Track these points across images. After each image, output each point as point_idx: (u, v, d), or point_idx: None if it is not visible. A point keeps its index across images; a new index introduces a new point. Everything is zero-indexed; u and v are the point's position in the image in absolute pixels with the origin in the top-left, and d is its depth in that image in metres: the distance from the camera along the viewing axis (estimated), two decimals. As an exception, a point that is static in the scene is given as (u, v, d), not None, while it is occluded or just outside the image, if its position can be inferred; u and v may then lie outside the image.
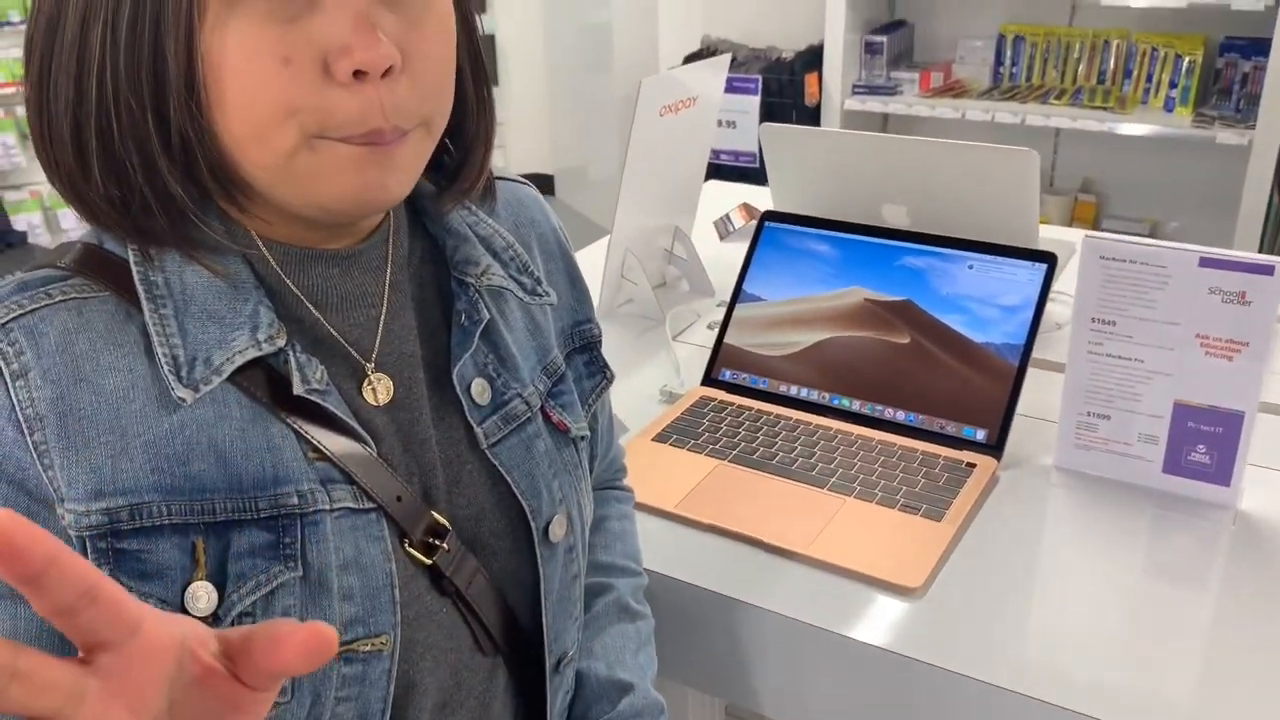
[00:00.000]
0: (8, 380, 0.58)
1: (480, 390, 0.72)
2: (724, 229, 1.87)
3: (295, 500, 0.62)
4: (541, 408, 0.77)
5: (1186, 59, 3.28)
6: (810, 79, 3.65)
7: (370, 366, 0.68)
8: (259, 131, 0.58)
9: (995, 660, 0.91)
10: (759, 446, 1.20)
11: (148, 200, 0.60)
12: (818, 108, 3.70)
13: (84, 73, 0.57)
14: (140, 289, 0.61)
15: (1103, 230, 3.60)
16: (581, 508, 0.79)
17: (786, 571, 1.02)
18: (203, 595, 0.59)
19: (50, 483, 0.58)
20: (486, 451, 0.72)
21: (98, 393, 0.59)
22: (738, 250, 1.41)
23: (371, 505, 0.65)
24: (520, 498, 0.72)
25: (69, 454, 0.58)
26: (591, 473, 0.85)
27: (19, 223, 3.94)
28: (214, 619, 0.60)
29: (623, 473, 1.00)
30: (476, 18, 0.69)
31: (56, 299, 0.60)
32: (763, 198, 1.94)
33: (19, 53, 4.00)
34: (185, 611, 0.59)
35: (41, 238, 4.06)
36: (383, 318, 0.69)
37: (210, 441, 0.61)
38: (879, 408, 1.24)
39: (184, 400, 0.60)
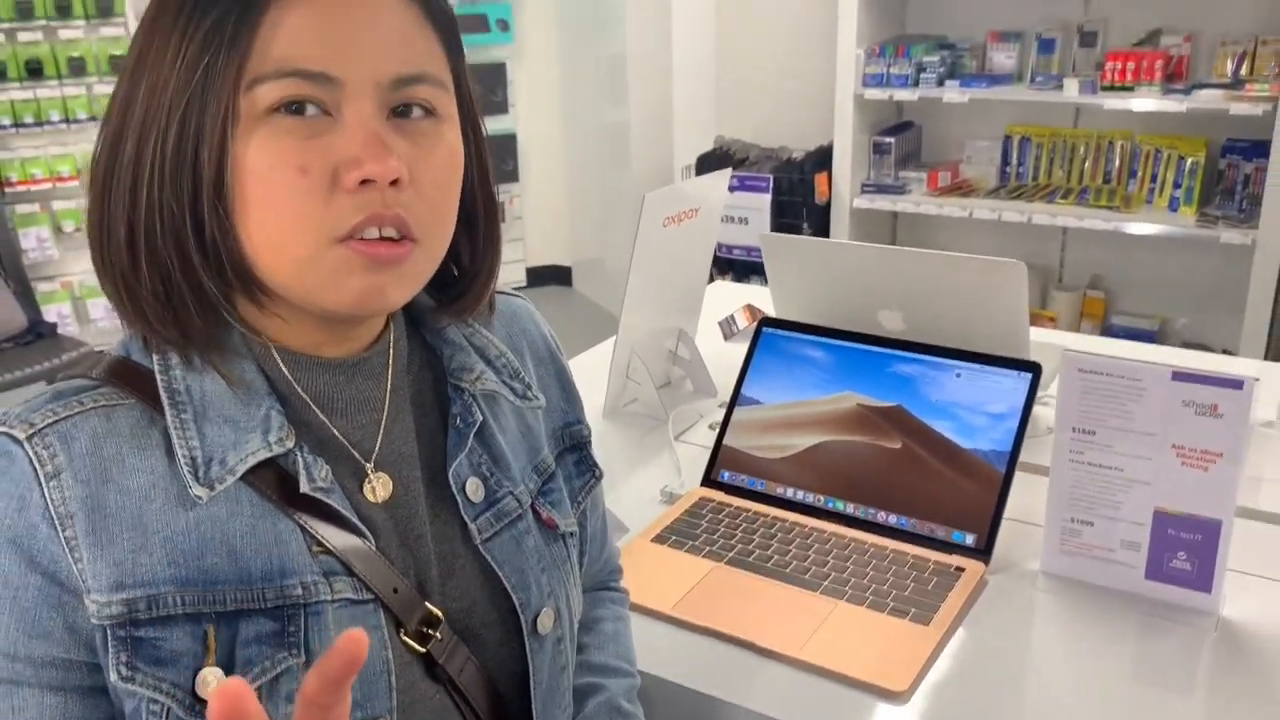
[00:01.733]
0: (42, 481, 0.64)
1: (474, 488, 0.77)
2: (728, 329, 1.93)
3: (300, 591, 0.67)
4: (532, 505, 0.82)
5: (1189, 160, 3.35)
6: (820, 178, 3.74)
7: (370, 467, 0.74)
8: (277, 237, 0.65)
9: (977, 765, 0.93)
10: (755, 549, 1.24)
11: (184, 295, 0.67)
12: (828, 206, 3.79)
13: (138, 184, 0.65)
14: (164, 395, 0.68)
15: (1112, 326, 3.64)
16: (570, 601, 0.83)
17: (778, 674, 1.05)
18: (212, 680, 0.64)
19: (80, 575, 0.64)
20: (480, 547, 0.77)
21: (123, 492, 0.65)
22: (741, 350, 1.46)
23: (370, 596, 0.70)
24: (510, 591, 0.77)
25: (95, 549, 0.64)
26: (582, 569, 0.89)
27: (49, 313, 4.05)
28: None
29: (618, 574, 1.04)
30: (490, 160, 0.77)
31: (88, 406, 0.67)
32: (767, 297, 2.00)
33: (58, 150, 4.16)
34: (194, 695, 0.65)
35: (71, 328, 4.17)
36: (384, 421, 0.75)
37: (223, 537, 0.66)
38: (872, 511, 1.28)
39: (200, 498, 0.66)
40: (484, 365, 0.81)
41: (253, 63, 0.63)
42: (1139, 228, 3.35)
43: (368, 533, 0.71)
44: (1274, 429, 1.52)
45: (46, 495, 0.64)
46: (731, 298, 2.07)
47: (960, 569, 1.18)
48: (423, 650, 0.72)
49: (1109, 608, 1.13)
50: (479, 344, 0.83)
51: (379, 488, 0.74)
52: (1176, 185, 3.39)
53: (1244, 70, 3.27)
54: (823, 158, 3.78)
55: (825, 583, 1.17)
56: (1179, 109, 3.23)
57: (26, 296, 3.49)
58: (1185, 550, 1.10)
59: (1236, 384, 1.04)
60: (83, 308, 4.33)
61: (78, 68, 4.13)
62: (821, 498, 1.31)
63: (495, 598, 0.77)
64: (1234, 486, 1.06)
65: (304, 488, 0.69)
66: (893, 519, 1.26)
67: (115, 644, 0.63)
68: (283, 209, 0.64)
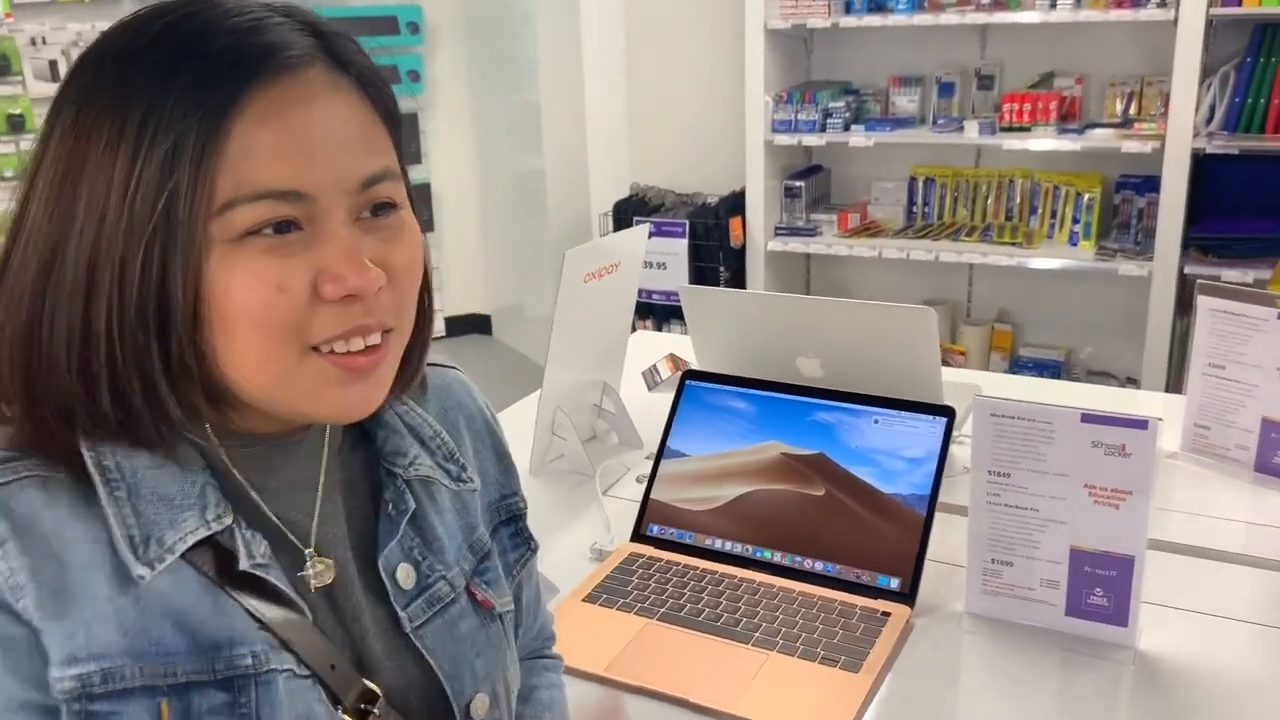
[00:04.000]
0: None
1: (405, 575, 0.76)
2: (651, 379, 1.94)
3: (249, 661, 0.66)
4: (466, 587, 0.80)
5: (1086, 196, 3.48)
6: (734, 222, 3.81)
7: (311, 551, 0.72)
8: (255, 355, 0.64)
9: (912, 812, 0.94)
10: (686, 603, 1.24)
11: (142, 415, 0.64)
12: (743, 249, 3.85)
13: (92, 313, 0.62)
14: (95, 475, 0.65)
15: (1020, 357, 3.75)
16: (507, 682, 0.82)
17: (713, 729, 1.06)
18: None
19: (38, 644, 0.62)
20: (410, 635, 0.75)
21: (66, 567, 0.63)
22: (665, 400, 1.47)
23: (308, 673, 0.69)
24: (443, 680, 0.76)
25: (47, 622, 0.62)
26: (518, 641, 0.89)
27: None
28: None
29: (551, 640, 1.03)
30: (419, 232, 0.76)
31: (23, 474, 0.64)
32: (689, 345, 2.03)
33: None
34: None
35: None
36: (319, 502, 0.74)
37: (168, 612, 0.65)
38: (798, 559, 1.29)
39: (142, 578, 0.64)
40: (419, 448, 0.80)
41: (221, 186, 0.61)
42: (1042, 262, 3.47)
43: (305, 608, 0.70)
44: (1176, 460, 1.58)
45: None
46: (654, 347, 2.09)
47: (886, 614, 1.20)
48: None
49: (1032, 645, 1.16)
50: (413, 423, 0.81)
51: (321, 574, 0.72)
52: (1075, 220, 3.52)
53: (1132, 109, 3.43)
54: (736, 202, 3.85)
55: (756, 634, 1.18)
56: (1074, 148, 3.36)
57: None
58: (1101, 586, 1.13)
59: (1141, 424, 1.08)
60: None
61: (-27, 127, 4.03)
62: (750, 548, 1.32)
63: (430, 680, 0.76)
64: (1145, 522, 1.10)
65: (243, 564, 0.67)
66: (819, 566, 1.28)
67: (71, 718, 0.61)
68: (263, 327, 0.63)
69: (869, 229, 3.80)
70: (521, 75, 4.46)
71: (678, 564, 1.32)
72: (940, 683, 1.13)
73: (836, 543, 1.28)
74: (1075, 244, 3.51)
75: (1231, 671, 1.11)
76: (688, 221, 3.82)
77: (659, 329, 3.83)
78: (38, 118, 4.13)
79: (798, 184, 3.82)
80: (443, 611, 0.78)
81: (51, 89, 4.29)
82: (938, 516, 1.26)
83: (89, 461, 0.65)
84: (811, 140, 3.68)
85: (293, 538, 0.72)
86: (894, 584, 1.24)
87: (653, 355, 2.01)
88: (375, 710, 0.72)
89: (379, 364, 0.68)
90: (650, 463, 1.45)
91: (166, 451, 0.67)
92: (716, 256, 3.83)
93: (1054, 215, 3.59)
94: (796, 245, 3.80)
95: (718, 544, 1.34)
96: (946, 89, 3.67)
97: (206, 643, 0.65)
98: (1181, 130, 3.12)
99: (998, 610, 1.19)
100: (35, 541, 0.63)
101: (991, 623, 1.20)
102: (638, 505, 1.41)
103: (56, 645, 0.62)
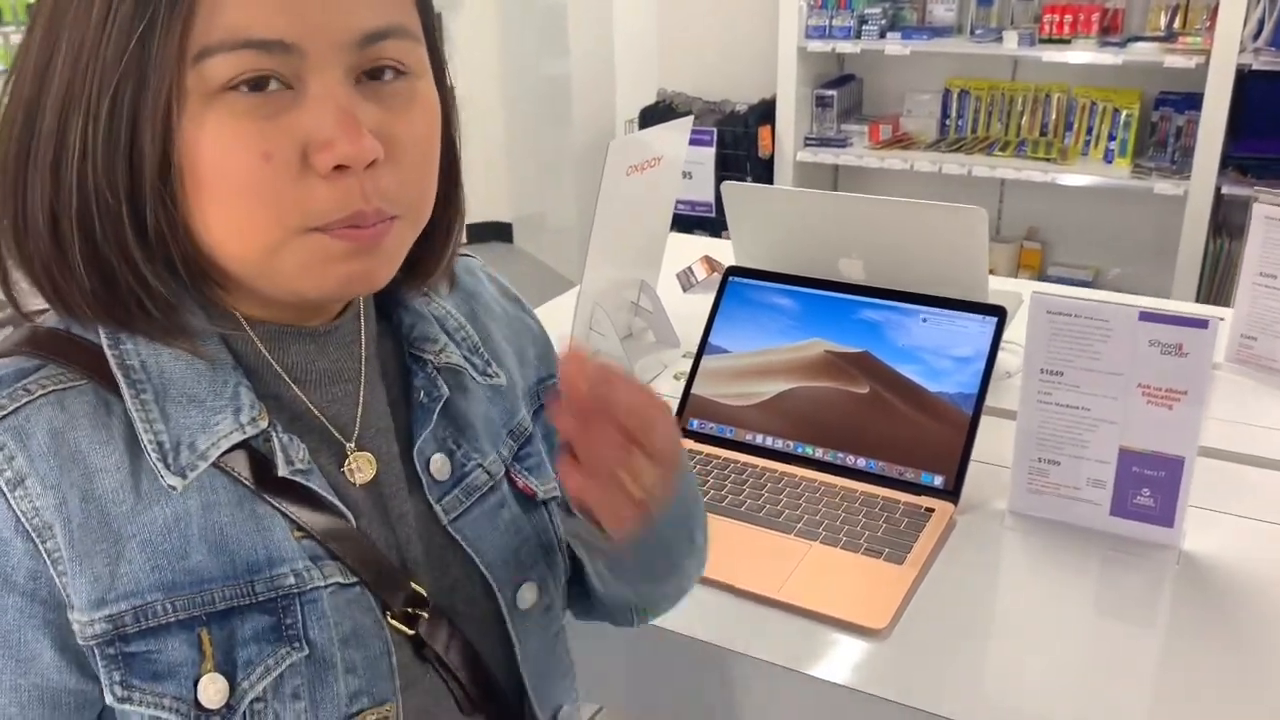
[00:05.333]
0: (4, 490, 0.57)
1: (440, 465, 0.72)
2: (686, 281, 1.92)
3: (291, 580, 0.63)
4: (507, 473, 0.77)
5: (1124, 112, 3.41)
6: (764, 131, 3.75)
7: (351, 446, 0.69)
8: (238, 226, 0.58)
9: (957, 697, 0.95)
10: (727, 494, 1.24)
11: (133, 292, 0.60)
12: (771, 159, 3.80)
13: (62, 163, 0.57)
14: (119, 375, 0.61)
15: (1048, 276, 3.72)
16: (554, 569, 0.79)
17: (757, 616, 1.06)
18: (212, 686, 0.60)
19: (63, 589, 0.58)
20: (448, 527, 0.72)
21: (89, 498, 0.59)
22: (700, 301, 1.46)
23: (355, 580, 0.66)
24: (485, 570, 0.73)
25: (74, 564, 0.58)
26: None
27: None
28: (227, 709, 0.60)
29: None
30: (456, 111, 0.70)
31: (36, 394, 0.59)
32: (721, 249, 2.01)
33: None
34: (199, 705, 0.60)
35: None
36: (361, 394, 0.70)
37: (202, 531, 0.61)
38: (841, 455, 1.29)
39: (174, 488, 0.60)
40: (445, 338, 0.76)
41: (198, 31, 0.55)
42: (1075, 179, 3.42)
43: (349, 514, 0.66)
44: (1220, 370, 1.56)
45: (14, 506, 0.57)
46: (688, 250, 2.06)
47: (930, 510, 1.20)
48: (410, 632, 0.68)
49: (1074, 544, 1.16)
50: (437, 314, 0.77)
51: (363, 468, 0.69)
52: (1111, 138, 3.46)
53: (1176, 23, 3.34)
54: (766, 111, 3.78)
55: (799, 525, 1.18)
56: (1114, 61, 3.28)
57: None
58: (1149, 487, 1.13)
59: (1201, 324, 1.06)
60: None
61: (-7, 16, 3.97)
62: (791, 443, 1.32)
63: (474, 575, 0.73)
64: (1197, 424, 1.09)
65: (282, 471, 0.63)
66: (862, 462, 1.28)
67: (106, 663, 0.58)
68: (247, 197, 0.57)
69: (901, 141, 3.74)
70: (548, -25, 4.36)
71: (717, 457, 1.32)
72: (983, 578, 1.13)
73: (880, 440, 1.28)
74: (1110, 161, 3.45)
75: (1276, 576, 1.11)
76: (715, 129, 3.76)
77: (684, 239, 3.80)
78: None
79: (829, 93, 3.75)
80: (481, 501, 0.74)
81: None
82: (981, 420, 1.25)
83: (111, 361, 0.61)
84: (846, 47, 3.60)
85: (335, 432, 0.68)
86: (938, 481, 1.23)
87: (687, 258, 1.99)
88: (424, 614, 0.69)
89: (382, 237, 0.61)
90: (687, 361, 1.44)
91: (192, 347, 0.62)
92: (744, 166, 3.78)
93: (1089, 132, 3.52)
94: (826, 156, 3.75)
95: (759, 439, 1.34)
96: (986, -2, 3.58)
97: (244, 564, 0.61)
98: (1227, 45, 3.04)
99: (1041, 509, 1.19)
100: (58, 473, 0.58)
101: (1034, 521, 1.20)
102: (676, 402, 1.41)
103: (85, 589, 0.58)
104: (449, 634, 0.70)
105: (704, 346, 1.42)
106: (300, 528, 0.64)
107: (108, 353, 0.61)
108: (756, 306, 1.41)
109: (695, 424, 1.38)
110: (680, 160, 1.68)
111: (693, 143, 3.74)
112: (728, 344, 1.41)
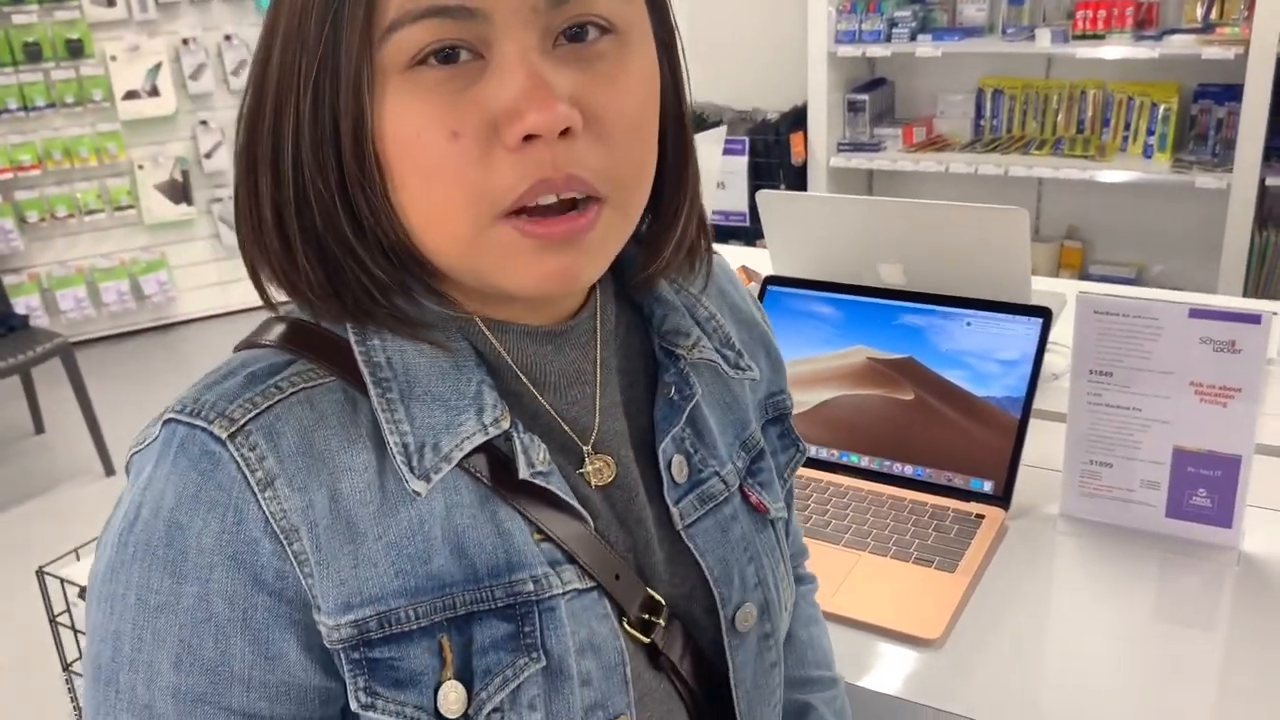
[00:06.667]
0: (255, 490, 0.56)
1: (679, 467, 0.69)
2: (724, 291, 1.91)
3: (531, 587, 0.60)
4: (740, 487, 0.73)
5: (1162, 106, 3.36)
6: (795, 138, 3.73)
7: (589, 450, 0.66)
8: (434, 212, 0.56)
9: (1017, 707, 0.93)
10: (773, 505, 1.23)
11: (359, 281, 0.58)
12: (804, 166, 3.78)
13: (279, 162, 0.57)
14: (365, 372, 0.59)
15: (1090, 275, 3.67)
16: (780, 594, 0.75)
17: (808, 628, 1.05)
18: (452, 694, 0.58)
19: (310, 591, 0.57)
20: (682, 533, 0.68)
21: (336, 499, 0.57)
22: (741, 313, 1.45)
23: (593, 584, 0.63)
24: (712, 584, 0.69)
25: (320, 568, 0.56)
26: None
27: (19, 305, 3.99)
28: (464, 719, 0.59)
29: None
30: (686, 80, 0.65)
31: (288, 392, 0.58)
32: (758, 259, 1.99)
33: (17, 139, 4.07)
34: (438, 714, 0.58)
35: (41, 320, 4.11)
36: (597, 396, 0.67)
37: (445, 534, 0.59)
38: (887, 463, 1.28)
39: (418, 494, 0.58)
40: (697, 330, 0.71)
41: (382, 4, 0.53)
42: (1114, 176, 3.37)
43: (587, 516, 0.63)
44: (1274, 365, 1.53)
45: (264, 507, 0.56)
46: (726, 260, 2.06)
47: (980, 516, 1.18)
48: (646, 640, 0.65)
49: (1130, 548, 1.14)
50: (687, 302, 0.72)
51: (602, 471, 0.66)
52: (1150, 132, 3.41)
53: (1214, 14, 3.29)
54: (797, 118, 3.77)
55: (847, 535, 1.17)
56: (1150, 55, 3.24)
57: (-4, 289, 3.43)
58: (1205, 487, 1.11)
59: (1254, 319, 1.04)
60: (52, 299, 4.26)
61: (33, 53, 4.04)
62: (836, 452, 1.31)
63: (702, 592, 0.70)
64: (1253, 421, 1.07)
65: (523, 473, 0.61)
66: (909, 470, 1.26)
67: (351, 667, 0.57)
68: (436, 180, 0.54)
69: (935, 143, 3.71)
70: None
71: (763, 469, 1.31)
72: (1037, 584, 1.11)
73: (926, 446, 1.26)
74: (1149, 157, 3.40)
75: (1340, 574, 1.09)
76: (747, 138, 3.75)
77: (719, 249, 3.79)
78: (95, 43, 4.13)
79: (861, 98, 3.73)
80: (714, 511, 0.70)
81: (108, 13, 4.29)
82: (1029, 424, 1.23)
83: (359, 358, 0.59)
84: (876, 51, 3.58)
85: (573, 436, 0.65)
86: (987, 487, 1.22)
87: (724, 267, 1.98)
88: (660, 621, 0.66)
89: (585, 231, 0.56)
90: (730, 370, 1.43)
91: (438, 340, 0.61)
92: (777, 174, 3.77)
93: (1127, 127, 3.48)
94: (860, 161, 3.73)
95: (803, 449, 1.32)
96: (1017, -4, 3.55)
97: (485, 569, 0.59)
98: (1267, 34, 2.99)
99: (1095, 512, 1.17)
100: (307, 475, 0.57)
101: (1088, 524, 1.17)
102: (718, 412, 1.40)
103: (331, 592, 0.56)
104: (684, 643, 0.68)
105: (745, 357, 1.41)
106: (540, 530, 0.62)
107: (355, 348, 0.60)
108: (796, 315, 1.40)
109: (738, 435, 1.37)
110: (715, 171, 1.68)
111: (725, 153, 3.75)
112: (768, 354, 1.40)
